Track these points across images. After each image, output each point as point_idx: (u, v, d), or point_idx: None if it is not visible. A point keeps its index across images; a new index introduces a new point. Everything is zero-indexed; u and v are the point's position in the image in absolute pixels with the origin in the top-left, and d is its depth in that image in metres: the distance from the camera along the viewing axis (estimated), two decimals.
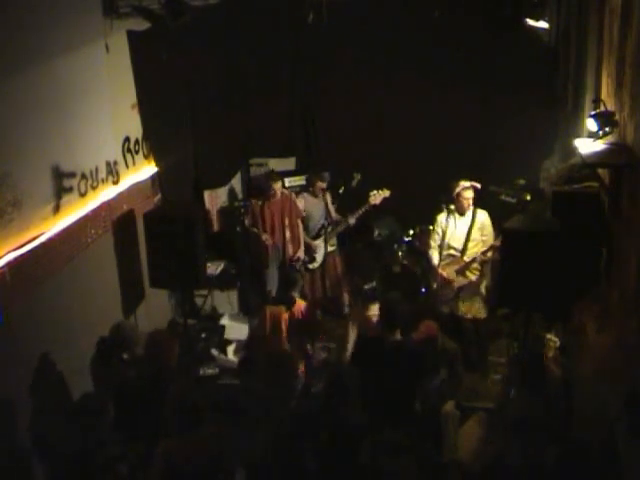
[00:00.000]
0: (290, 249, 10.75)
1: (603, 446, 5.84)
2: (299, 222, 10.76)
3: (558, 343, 8.00)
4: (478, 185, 9.48)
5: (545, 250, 7.18)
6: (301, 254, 10.75)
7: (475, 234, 9.55)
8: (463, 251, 9.62)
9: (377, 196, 10.50)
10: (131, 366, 7.40)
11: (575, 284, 7.08)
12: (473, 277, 9.71)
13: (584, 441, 6.18)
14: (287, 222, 10.65)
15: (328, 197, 10.86)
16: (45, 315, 6.84)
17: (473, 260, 9.58)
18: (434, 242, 9.89)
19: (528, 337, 8.19)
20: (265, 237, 10.67)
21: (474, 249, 9.59)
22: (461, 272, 9.67)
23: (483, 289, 9.84)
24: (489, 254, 9.56)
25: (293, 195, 10.80)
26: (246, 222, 10.73)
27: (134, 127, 9.27)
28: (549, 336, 8.12)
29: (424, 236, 10.60)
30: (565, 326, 7.93)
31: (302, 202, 10.80)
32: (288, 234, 10.68)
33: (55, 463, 6.70)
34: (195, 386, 5.96)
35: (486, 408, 8.16)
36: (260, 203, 10.69)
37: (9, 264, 6.23)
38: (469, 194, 9.44)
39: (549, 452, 5.94)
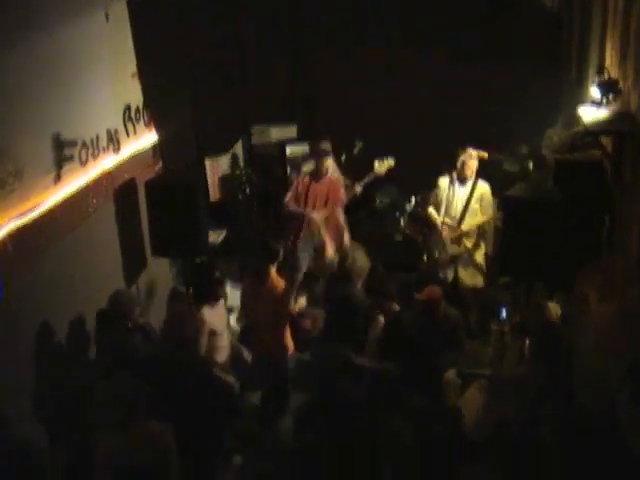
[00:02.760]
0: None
1: (605, 415, 5.86)
2: (340, 210, 10.31)
3: (559, 312, 8.01)
4: (486, 155, 9.47)
5: (547, 218, 7.17)
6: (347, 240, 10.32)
7: (474, 205, 9.58)
8: (460, 220, 9.65)
9: (382, 166, 10.46)
10: (135, 334, 7.44)
11: (577, 253, 7.06)
12: (469, 245, 9.75)
13: (585, 410, 6.20)
14: (331, 204, 10.19)
15: (332, 164, 10.76)
16: (47, 284, 6.83)
17: (472, 230, 9.62)
18: (433, 206, 9.92)
19: (530, 306, 8.21)
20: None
21: (471, 220, 9.62)
22: (457, 241, 9.70)
23: (478, 258, 9.86)
24: (486, 226, 9.61)
25: (342, 180, 10.38)
26: (288, 196, 10.32)
27: (135, 95, 9.21)
28: (551, 305, 8.13)
29: (425, 203, 10.59)
30: (567, 295, 7.93)
31: (306, 170, 10.73)
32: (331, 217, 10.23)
33: (56, 432, 6.75)
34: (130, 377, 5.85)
35: (487, 375, 8.19)
36: (307, 180, 10.27)
37: (10, 234, 6.22)
38: (474, 164, 9.44)
39: (550, 420, 5.97)
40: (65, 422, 6.72)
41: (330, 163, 10.07)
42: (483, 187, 9.58)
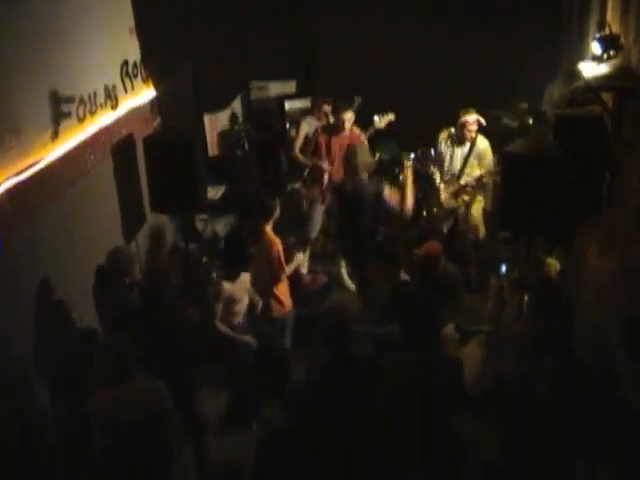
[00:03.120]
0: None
1: (603, 370, 5.89)
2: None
3: (559, 267, 8.02)
4: (483, 121, 9.48)
5: (547, 173, 7.14)
6: None
7: (472, 161, 9.62)
8: (459, 176, 9.70)
9: (382, 120, 10.42)
10: (131, 291, 7.46)
11: (577, 208, 7.05)
12: (466, 199, 9.81)
13: (584, 365, 6.23)
14: None
15: (332, 119, 10.73)
16: (46, 241, 6.82)
17: (470, 184, 9.67)
18: (435, 164, 9.94)
19: (529, 261, 8.22)
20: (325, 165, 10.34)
21: (470, 175, 9.75)
22: (456, 195, 9.74)
23: (476, 212, 9.89)
24: (485, 179, 9.61)
25: (363, 136, 10.29)
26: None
27: (132, 51, 9.14)
28: (550, 260, 8.14)
29: (425, 159, 10.57)
30: (566, 250, 7.94)
31: (306, 127, 10.69)
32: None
33: (56, 389, 6.78)
34: (123, 336, 5.87)
35: (486, 331, 8.24)
36: (326, 135, 10.27)
37: (9, 191, 6.19)
38: (473, 127, 9.46)
39: (549, 375, 6.00)
40: (65, 380, 6.74)
41: (349, 116, 10.01)
42: (482, 143, 9.63)
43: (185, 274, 8.52)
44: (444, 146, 9.83)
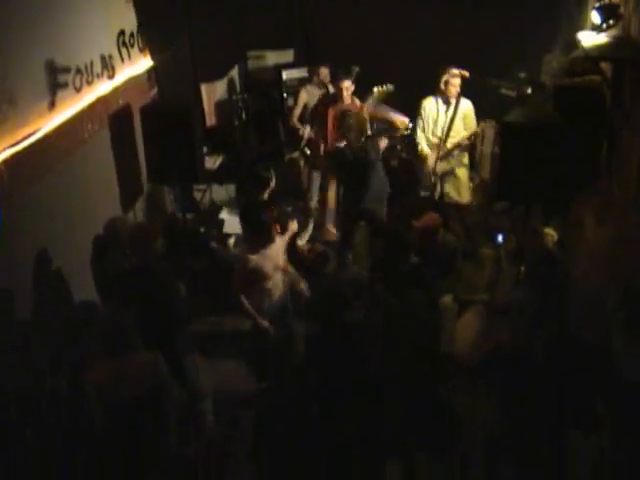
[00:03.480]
0: None
1: (599, 341, 5.92)
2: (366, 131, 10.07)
3: (556, 237, 8.03)
4: (466, 74, 9.48)
5: (545, 143, 7.14)
6: None
7: (458, 123, 9.69)
8: (445, 139, 9.72)
9: (381, 91, 10.38)
10: (129, 261, 7.46)
11: (574, 178, 7.06)
12: (455, 164, 9.83)
13: (580, 335, 6.26)
14: None
15: (331, 88, 10.67)
16: (43, 211, 6.82)
17: (454, 147, 9.71)
18: (420, 128, 9.94)
19: (526, 231, 8.22)
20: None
21: (456, 138, 9.82)
22: (444, 159, 9.76)
23: (462, 174, 9.91)
24: (470, 141, 9.67)
25: (366, 108, 10.00)
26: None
27: (129, 20, 9.09)
28: (547, 230, 8.15)
29: (415, 121, 10.57)
30: (564, 220, 7.95)
31: (306, 95, 10.64)
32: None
33: (55, 354, 6.80)
34: (122, 308, 5.84)
35: (484, 300, 8.25)
36: (325, 105, 10.09)
37: (6, 161, 6.18)
38: (457, 81, 9.47)
39: (545, 345, 6.02)
40: (63, 350, 6.75)
41: (347, 84, 9.85)
42: (466, 105, 9.75)
43: (176, 243, 8.43)
44: (430, 110, 9.82)
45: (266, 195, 8.24)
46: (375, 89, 10.29)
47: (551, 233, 8.07)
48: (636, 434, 4.64)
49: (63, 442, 6.08)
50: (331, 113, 9.87)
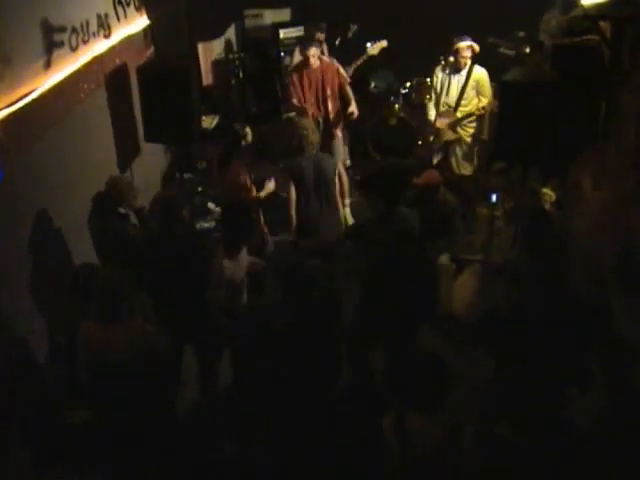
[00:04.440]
0: (332, 120, 10.02)
1: (596, 300, 5.94)
2: (348, 89, 10.00)
3: (554, 198, 8.03)
4: (477, 47, 9.33)
5: (543, 103, 7.12)
6: (354, 109, 9.99)
7: (469, 91, 9.48)
8: (456, 107, 9.57)
9: (375, 47, 10.31)
10: (128, 219, 7.46)
11: (573, 138, 7.05)
12: (464, 134, 9.68)
13: (577, 295, 6.28)
14: (329, 92, 9.86)
15: (325, 48, 10.60)
16: (40, 172, 6.81)
17: (467, 116, 9.54)
18: (430, 95, 9.83)
19: (524, 191, 8.22)
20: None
21: (467, 107, 9.57)
22: (453, 127, 9.63)
23: (473, 145, 9.81)
24: (486, 108, 9.51)
25: (336, 62, 10.02)
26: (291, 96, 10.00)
27: None
28: (545, 190, 8.15)
29: (420, 89, 10.51)
30: (561, 181, 7.94)
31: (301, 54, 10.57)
32: (330, 106, 9.92)
33: (55, 317, 6.83)
34: (119, 271, 5.77)
35: (481, 260, 8.27)
36: (297, 74, 9.90)
37: (1, 122, 6.15)
38: (467, 52, 9.31)
39: (542, 305, 6.04)
40: (63, 309, 6.78)
41: (314, 51, 9.63)
42: (480, 73, 9.45)
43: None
44: (440, 78, 9.68)
45: (240, 152, 8.22)
46: (369, 44, 10.25)
47: (549, 193, 8.08)
48: (631, 392, 4.68)
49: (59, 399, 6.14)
50: (308, 82, 9.76)
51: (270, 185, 8.32)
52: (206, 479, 5.95)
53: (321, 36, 10.39)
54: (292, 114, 10.17)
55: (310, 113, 9.80)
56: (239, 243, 6.74)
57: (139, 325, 5.68)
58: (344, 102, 9.96)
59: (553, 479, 4.81)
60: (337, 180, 8.32)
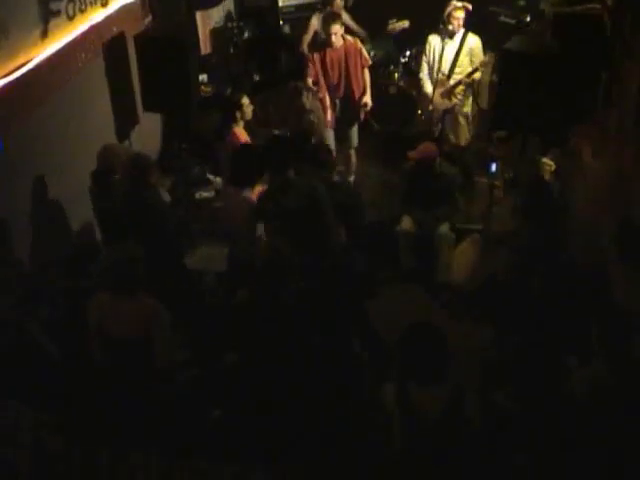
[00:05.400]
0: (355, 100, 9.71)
1: (594, 270, 5.95)
2: (366, 72, 9.70)
3: (553, 167, 8.01)
4: (469, 6, 9.24)
5: (544, 72, 7.08)
6: (368, 100, 9.67)
7: (463, 58, 9.36)
8: (449, 75, 9.48)
9: (397, 25, 10.25)
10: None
11: (573, 108, 7.02)
12: (461, 100, 9.62)
13: (576, 264, 6.29)
14: (352, 72, 9.53)
15: (348, 18, 10.39)
16: (38, 142, 6.80)
17: (458, 83, 9.46)
18: (425, 64, 9.74)
19: (524, 161, 8.21)
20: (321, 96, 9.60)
21: (461, 74, 9.47)
22: (446, 95, 9.56)
23: (466, 111, 9.74)
24: (476, 75, 9.43)
25: (359, 43, 9.69)
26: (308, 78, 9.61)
27: None
28: (544, 160, 8.13)
29: (420, 58, 10.44)
30: (561, 150, 7.92)
31: (316, 22, 10.37)
32: (353, 88, 9.59)
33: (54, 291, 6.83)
34: (134, 248, 5.69)
35: (480, 230, 8.28)
36: (319, 53, 9.53)
37: None
38: (460, 14, 9.20)
39: (541, 273, 6.05)
40: (63, 280, 6.79)
41: (337, 28, 9.27)
42: (473, 40, 9.35)
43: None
44: (434, 45, 9.57)
45: (240, 124, 8.12)
46: (390, 22, 10.15)
47: (549, 163, 8.05)
48: (631, 361, 4.69)
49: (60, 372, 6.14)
50: (331, 60, 9.59)
51: None
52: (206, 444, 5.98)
53: (340, 3, 10.16)
54: (300, 82, 10.06)
55: (327, 95, 9.57)
56: (248, 184, 6.84)
57: (153, 301, 5.67)
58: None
59: (553, 449, 4.82)
60: None
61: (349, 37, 9.55)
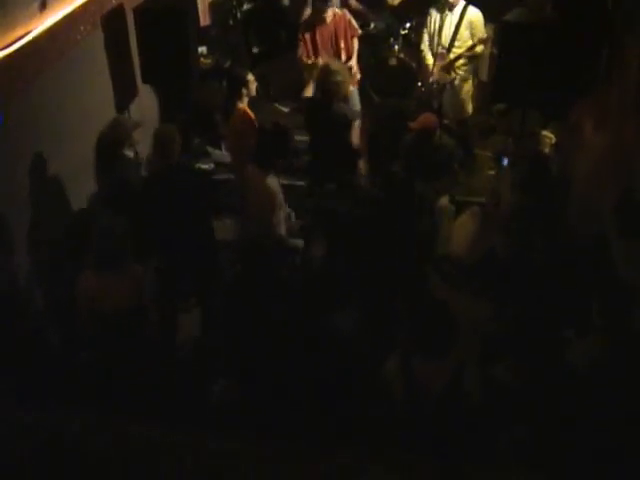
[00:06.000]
0: None
1: (594, 244, 5.96)
2: (355, 41, 9.78)
3: (554, 140, 7.99)
4: None
5: (544, 44, 7.06)
6: (353, 64, 9.71)
7: (463, 32, 9.26)
8: (449, 48, 9.39)
9: None
10: (133, 163, 7.47)
11: (574, 81, 7.00)
12: (460, 74, 9.54)
13: (576, 238, 6.30)
14: (342, 45, 9.62)
15: None
16: (37, 115, 6.77)
17: (460, 56, 9.38)
18: (425, 35, 9.66)
19: (524, 133, 8.19)
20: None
21: (461, 48, 9.36)
22: (446, 70, 9.48)
23: (466, 87, 9.67)
24: (477, 49, 9.35)
25: (347, 13, 9.76)
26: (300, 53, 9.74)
27: None
28: (545, 133, 8.11)
29: (420, 30, 10.38)
30: (562, 123, 7.90)
31: None
32: (344, 57, 9.63)
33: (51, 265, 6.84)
34: (120, 219, 5.78)
35: (480, 203, 8.27)
36: (309, 31, 9.58)
37: None
38: None
39: (540, 246, 6.06)
40: (59, 257, 6.79)
41: (330, 12, 9.41)
42: (473, 13, 9.25)
43: None
44: (434, 15, 9.48)
45: (245, 100, 8.02)
46: None
47: (549, 136, 8.03)
48: (630, 333, 4.72)
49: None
50: (322, 39, 9.57)
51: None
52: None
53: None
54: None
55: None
56: (274, 162, 6.87)
57: (139, 273, 5.69)
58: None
59: (552, 421, 4.85)
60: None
61: (337, 10, 9.59)
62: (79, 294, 5.66)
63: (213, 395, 5.76)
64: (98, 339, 5.72)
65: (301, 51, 9.62)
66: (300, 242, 7.25)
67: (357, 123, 8.01)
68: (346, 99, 8.28)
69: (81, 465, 3.47)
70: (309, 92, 9.98)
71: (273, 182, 6.83)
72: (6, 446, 3.59)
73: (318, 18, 9.42)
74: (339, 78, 7.84)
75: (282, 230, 6.94)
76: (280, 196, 6.89)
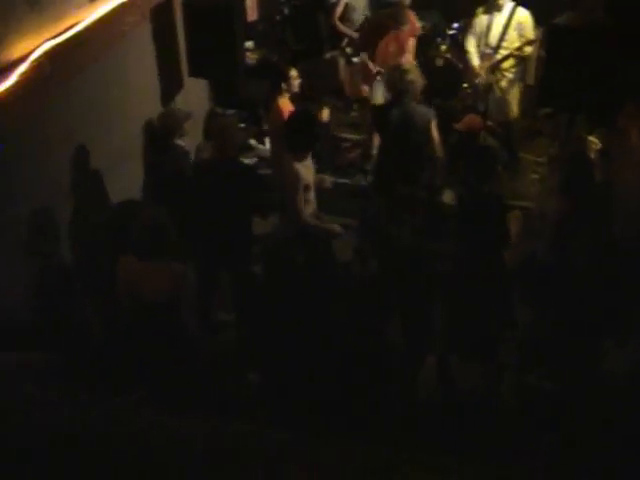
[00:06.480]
0: None
1: (637, 252, 5.90)
2: (412, 40, 9.82)
3: (599, 146, 7.92)
4: None
5: (594, 48, 6.99)
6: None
7: (511, 32, 9.16)
8: (496, 49, 9.30)
9: None
10: (184, 153, 7.52)
11: (623, 87, 6.92)
12: (507, 76, 9.44)
13: (619, 243, 6.24)
14: (406, 47, 9.68)
15: None
16: (84, 105, 6.80)
17: (507, 57, 9.28)
18: (472, 36, 9.58)
19: (570, 138, 8.11)
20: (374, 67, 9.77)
21: (509, 49, 9.27)
22: (492, 70, 9.39)
23: (514, 88, 9.58)
24: (526, 49, 9.25)
25: (412, 16, 9.74)
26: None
27: None
28: (591, 138, 8.03)
29: (468, 30, 10.32)
30: (608, 129, 7.81)
31: None
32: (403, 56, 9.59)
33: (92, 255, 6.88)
34: (164, 210, 5.82)
35: (523, 207, 8.22)
36: (382, 29, 9.64)
37: (47, 54, 6.13)
38: None
39: (584, 252, 6.01)
40: (99, 249, 6.83)
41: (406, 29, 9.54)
42: (522, 14, 9.15)
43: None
44: (481, 16, 9.39)
45: (285, 95, 8.06)
46: None
47: (594, 141, 7.96)
48: None
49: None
50: (386, 42, 9.56)
51: (325, 114, 8.25)
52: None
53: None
54: (335, 53, 10.06)
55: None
56: (306, 149, 6.86)
57: (181, 266, 5.71)
58: None
59: (590, 430, 4.81)
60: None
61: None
62: (119, 278, 5.70)
63: (250, 385, 5.78)
64: (135, 326, 5.76)
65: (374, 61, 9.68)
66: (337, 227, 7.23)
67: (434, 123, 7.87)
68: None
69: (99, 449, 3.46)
70: (363, 92, 10.02)
71: (300, 167, 6.80)
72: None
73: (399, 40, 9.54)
74: (412, 77, 7.81)
75: (308, 217, 6.92)
76: (305, 182, 6.83)
